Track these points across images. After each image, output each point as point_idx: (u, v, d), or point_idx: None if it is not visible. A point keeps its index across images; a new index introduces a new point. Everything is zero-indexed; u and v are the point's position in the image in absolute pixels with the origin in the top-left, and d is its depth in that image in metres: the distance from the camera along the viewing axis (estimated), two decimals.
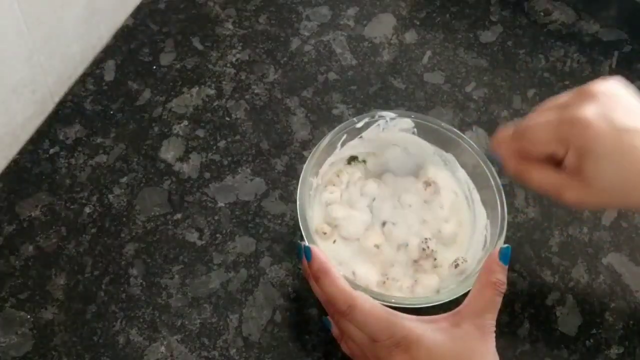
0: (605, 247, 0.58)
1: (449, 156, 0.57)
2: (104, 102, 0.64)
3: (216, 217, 0.58)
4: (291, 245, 0.56)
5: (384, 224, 0.54)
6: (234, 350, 0.51)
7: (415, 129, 0.57)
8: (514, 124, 0.49)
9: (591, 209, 0.60)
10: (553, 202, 0.60)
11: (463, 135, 0.56)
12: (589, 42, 0.72)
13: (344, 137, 0.56)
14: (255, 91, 0.66)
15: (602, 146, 0.43)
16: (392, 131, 0.57)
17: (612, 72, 0.70)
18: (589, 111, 0.44)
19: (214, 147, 0.62)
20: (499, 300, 0.43)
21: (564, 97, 0.47)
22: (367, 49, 0.70)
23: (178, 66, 0.67)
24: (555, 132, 0.45)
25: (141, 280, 0.54)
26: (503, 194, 0.52)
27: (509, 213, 0.52)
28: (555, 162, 0.47)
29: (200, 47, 0.69)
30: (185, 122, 0.63)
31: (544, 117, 0.46)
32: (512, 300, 0.55)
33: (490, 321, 0.42)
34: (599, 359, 0.53)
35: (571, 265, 0.57)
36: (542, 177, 0.47)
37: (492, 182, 0.53)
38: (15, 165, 0.60)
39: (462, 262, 0.52)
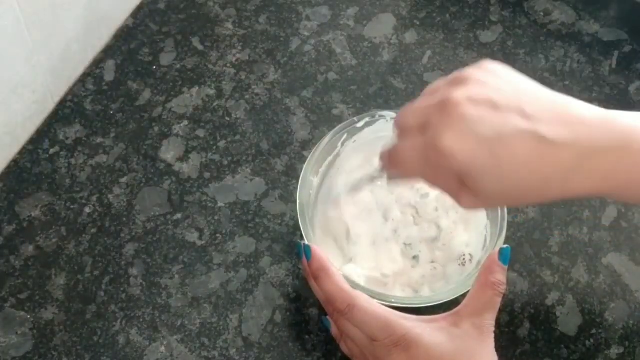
0: (605, 247, 0.58)
1: None
2: (104, 102, 0.64)
3: (216, 217, 0.58)
4: (291, 245, 0.56)
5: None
6: (234, 350, 0.51)
7: None
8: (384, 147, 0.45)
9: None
10: (553, 202, 0.60)
11: None
12: (589, 42, 0.72)
13: (344, 137, 0.56)
14: (255, 91, 0.66)
15: (477, 168, 0.39)
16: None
17: (612, 72, 0.70)
18: (450, 139, 0.38)
19: (214, 147, 0.62)
20: (498, 300, 0.43)
21: (422, 106, 0.42)
22: (367, 49, 0.70)
23: (178, 66, 0.67)
24: (424, 163, 0.41)
25: (141, 280, 0.54)
26: None
27: (509, 213, 0.52)
28: None
29: (200, 47, 0.69)
30: (185, 122, 0.63)
31: (408, 144, 0.42)
32: (512, 300, 0.55)
33: (489, 321, 0.42)
34: (599, 359, 0.53)
35: (571, 265, 0.57)
36: (437, 183, 0.43)
37: None
38: (15, 165, 0.60)
39: (464, 262, 0.52)
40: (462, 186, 0.41)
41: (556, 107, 0.39)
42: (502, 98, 0.39)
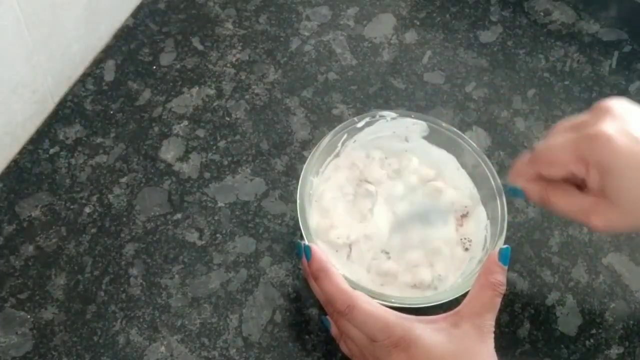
0: (605, 247, 0.58)
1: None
2: (104, 102, 0.64)
3: (216, 217, 0.58)
4: (291, 245, 0.56)
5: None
6: (234, 350, 0.51)
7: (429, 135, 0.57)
8: (529, 151, 0.48)
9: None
10: None
11: (463, 135, 0.56)
12: (589, 42, 0.72)
13: (344, 136, 0.56)
14: (255, 91, 0.66)
15: (624, 161, 0.41)
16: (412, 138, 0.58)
17: (612, 72, 0.70)
18: (608, 126, 0.42)
19: (214, 147, 0.62)
20: (498, 300, 0.43)
21: (579, 117, 0.46)
22: (367, 49, 0.70)
23: (178, 66, 0.67)
24: (573, 151, 0.43)
25: (141, 280, 0.54)
26: (503, 194, 0.52)
27: (509, 213, 0.52)
28: (578, 185, 0.45)
29: (200, 47, 0.69)
30: (185, 122, 0.63)
31: (560, 137, 0.45)
32: (512, 300, 0.55)
33: (489, 322, 0.42)
34: (599, 359, 0.53)
35: (571, 265, 0.57)
36: (567, 201, 0.45)
37: (492, 182, 0.53)
38: (15, 165, 0.60)
39: (469, 243, 0.52)
40: (599, 196, 0.43)
41: None
42: None
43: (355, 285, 0.46)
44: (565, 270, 0.57)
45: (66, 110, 0.63)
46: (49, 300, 0.53)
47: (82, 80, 0.65)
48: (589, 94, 0.68)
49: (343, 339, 0.47)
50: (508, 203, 0.53)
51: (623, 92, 0.68)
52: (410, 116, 0.57)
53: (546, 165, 0.46)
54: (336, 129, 0.55)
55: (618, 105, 0.44)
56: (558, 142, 0.45)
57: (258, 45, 0.69)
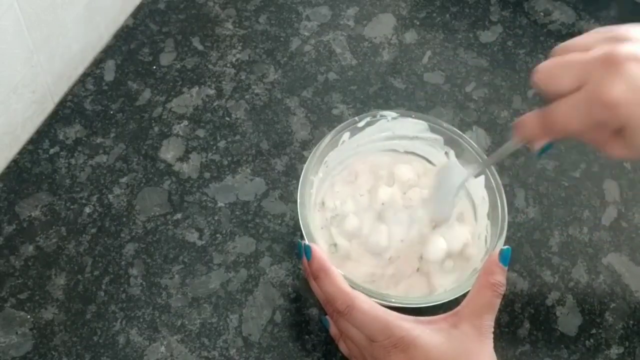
0: (605, 247, 0.58)
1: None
2: (104, 102, 0.64)
3: (216, 217, 0.58)
4: (291, 245, 0.56)
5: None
6: (234, 350, 0.51)
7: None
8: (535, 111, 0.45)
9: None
10: (553, 202, 0.60)
11: (463, 135, 0.56)
12: None
13: (345, 136, 0.56)
14: (255, 91, 0.66)
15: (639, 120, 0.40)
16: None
17: None
18: (619, 91, 0.39)
19: (214, 147, 0.62)
20: (497, 301, 0.43)
21: (576, 61, 0.42)
22: (367, 49, 0.70)
23: (178, 66, 0.67)
24: (587, 120, 0.41)
25: (141, 280, 0.54)
26: (503, 194, 0.52)
27: (509, 213, 0.52)
28: None
29: (200, 47, 0.69)
30: (185, 122, 0.63)
31: (567, 102, 0.42)
32: (512, 300, 0.55)
33: (488, 322, 0.42)
34: (599, 359, 0.53)
35: (571, 265, 0.57)
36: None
37: (492, 182, 0.53)
38: (15, 165, 0.60)
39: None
40: (615, 137, 0.42)
41: None
42: None
43: (355, 285, 0.46)
44: (565, 270, 0.57)
45: (66, 110, 0.63)
46: (49, 300, 0.53)
47: (82, 80, 0.65)
48: None
49: (342, 339, 0.47)
50: (508, 203, 0.53)
51: None
52: (411, 116, 0.57)
53: (562, 135, 0.44)
54: (337, 128, 0.55)
55: (630, 54, 0.40)
56: (567, 111, 0.42)
57: (258, 45, 0.69)
